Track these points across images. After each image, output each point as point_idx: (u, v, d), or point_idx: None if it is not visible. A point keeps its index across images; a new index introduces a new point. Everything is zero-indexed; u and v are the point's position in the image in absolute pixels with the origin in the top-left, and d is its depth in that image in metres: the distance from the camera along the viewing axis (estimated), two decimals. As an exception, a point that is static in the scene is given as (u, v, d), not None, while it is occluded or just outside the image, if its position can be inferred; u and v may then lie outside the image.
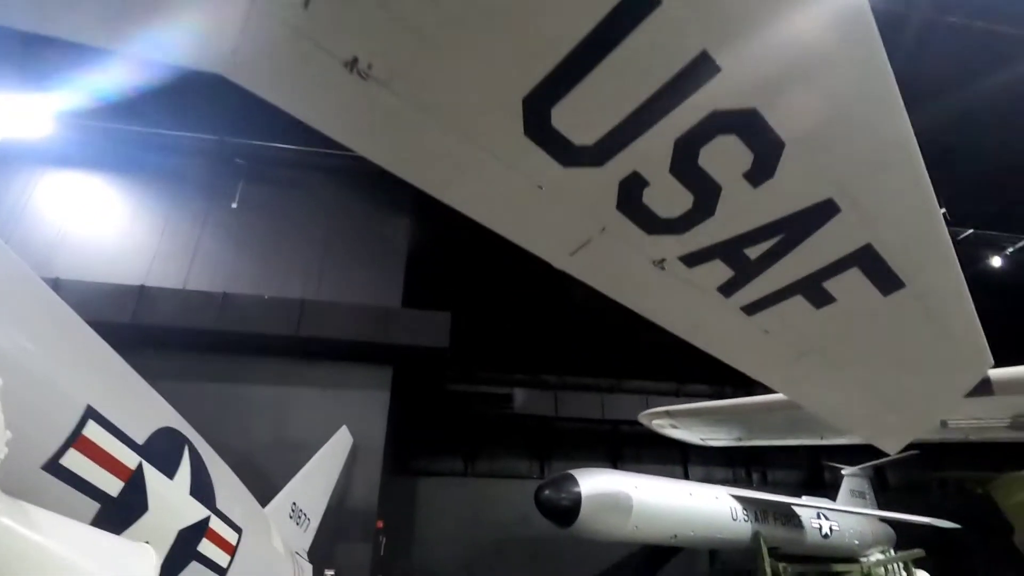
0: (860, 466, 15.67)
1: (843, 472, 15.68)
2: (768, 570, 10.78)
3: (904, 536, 14.32)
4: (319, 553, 8.65)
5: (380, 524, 10.27)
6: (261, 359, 9.93)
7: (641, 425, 16.52)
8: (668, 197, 2.30)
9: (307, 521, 7.54)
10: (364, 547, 9.16)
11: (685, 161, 2.16)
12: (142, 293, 9.41)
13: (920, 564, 13.64)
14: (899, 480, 17.86)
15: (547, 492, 9.77)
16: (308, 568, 7.37)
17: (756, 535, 11.27)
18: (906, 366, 3.08)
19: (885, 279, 2.67)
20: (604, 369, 16.94)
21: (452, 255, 14.65)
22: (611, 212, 2.37)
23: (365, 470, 9.63)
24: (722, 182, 2.25)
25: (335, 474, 8.57)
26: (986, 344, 3.01)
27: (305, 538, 7.48)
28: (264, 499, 6.97)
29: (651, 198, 2.31)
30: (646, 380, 17.03)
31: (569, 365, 16.63)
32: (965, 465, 18.15)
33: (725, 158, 2.16)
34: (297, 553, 7.18)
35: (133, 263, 10.26)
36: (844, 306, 2.81)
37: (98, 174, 11.35)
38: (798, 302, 2.81)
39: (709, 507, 11.10)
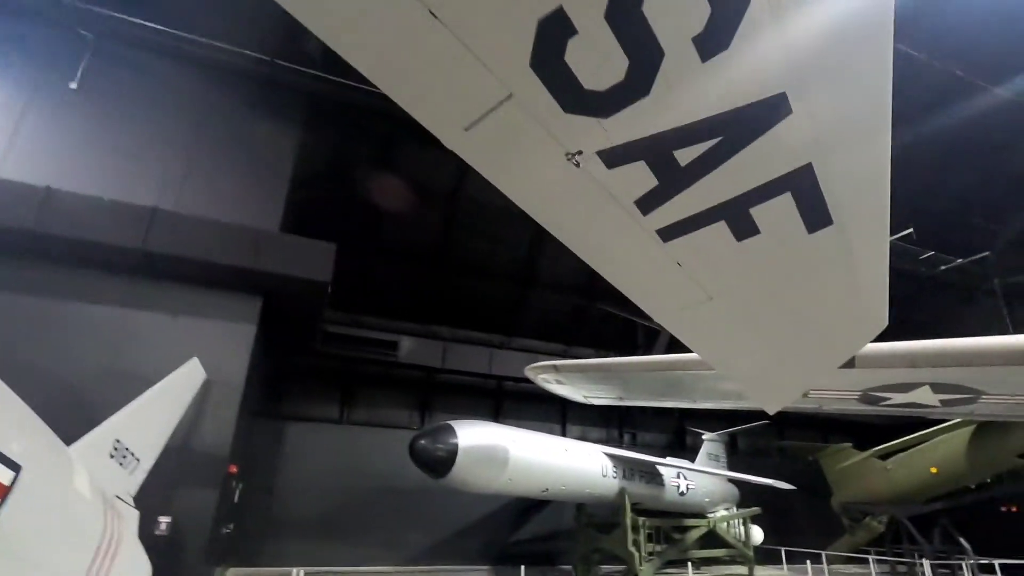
0: (718, 432, 17.08)
1: (703, 437, 17.00)
2: (629, 524, 11.34)
3: (745, 496, 15.91)
4: (154, 498, 7.60)
5: (233, 469, 9.30)
6: (96, 273, 8.31)
7: (525, 383, 16.65)
8: (598, 56, 1.76)
9: (135, 462, 6.48)
10: (209, 493, 8.18)
11: (628, 3, 1.63)
12: (-71, 174, 7.41)
13: (755, 520, 15.27)
14: (747, 446, 19.83)
15: (423, 442, 9.37)
16: (133, 515, 6.36)
17: (622, 491, 11.80)
18: (811, 319, 2.90)
19: (815, 212, 2.37)
20: (495, 326, 16.77)
21: (346, 185, 13.40)
22: (523, 69, 1.80)
23: (219, 409, 8.55)
24: (666, 44, 1.74)
25: (178, 411, 7.47)
26: (887, 304, 2.88)
27: (131, 480, 6.43)
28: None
29: (576, 55, 1.75)
30: (535, 339, 17.13)
31: (461, 319, 16.22)
32: (800, 436, 20.59)
33: (675, 8, 1.66)
34: (119, 497, 6.16)
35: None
36: (766, 240, 2.50)
37: None
38: (720, 230, 2.46)
39: (582, 463, 11.38)
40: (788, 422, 19.98)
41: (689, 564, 11.59)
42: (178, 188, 9.35)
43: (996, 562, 12.00)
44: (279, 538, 12.62)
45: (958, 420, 12.82)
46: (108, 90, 9.75)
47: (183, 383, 7.62)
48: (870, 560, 13.56)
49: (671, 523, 13.48)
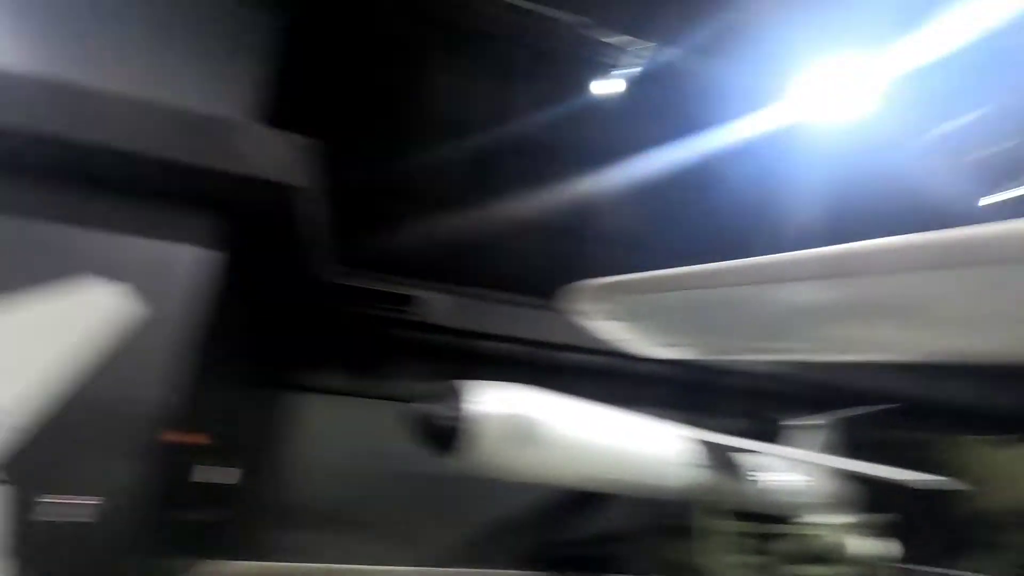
0: (823, 416, 13.57)
1: (803, 423, 13.58)
2: (712, 528, 8.45)
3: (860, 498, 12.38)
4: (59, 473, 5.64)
5: (192, 439, 7.26)
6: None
7: (582, 351, 13.93)
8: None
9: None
10: (140, 468, 6.04)
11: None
12: None
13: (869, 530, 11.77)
14: (857, 439, 16.00)
15: (419, 406, 6.94)
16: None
17: (704, 485, 8.90)
18: None
19: None
20: (537, 288, 14.06)
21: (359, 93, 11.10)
22: None
23: (159, 355, 6.44)
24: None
25: (74, 349, 5.38)
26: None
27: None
28: None
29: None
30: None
31: (494, 277, 13.68)
32: (931, 427, 16.45)
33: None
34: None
35: None
36: None
37: None
38: None
39: (648, 446, 8.57)
40: (921, 409, 15.81)
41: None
42: (125, 70, 7.37)
43: None
44: (281, 529, 10.65)
45: None
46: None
47: (82, 311, 5.52)
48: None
49: (771, 529, 10.34)
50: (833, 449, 13.67)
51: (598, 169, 13.34)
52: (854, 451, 14.79)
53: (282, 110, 8.63)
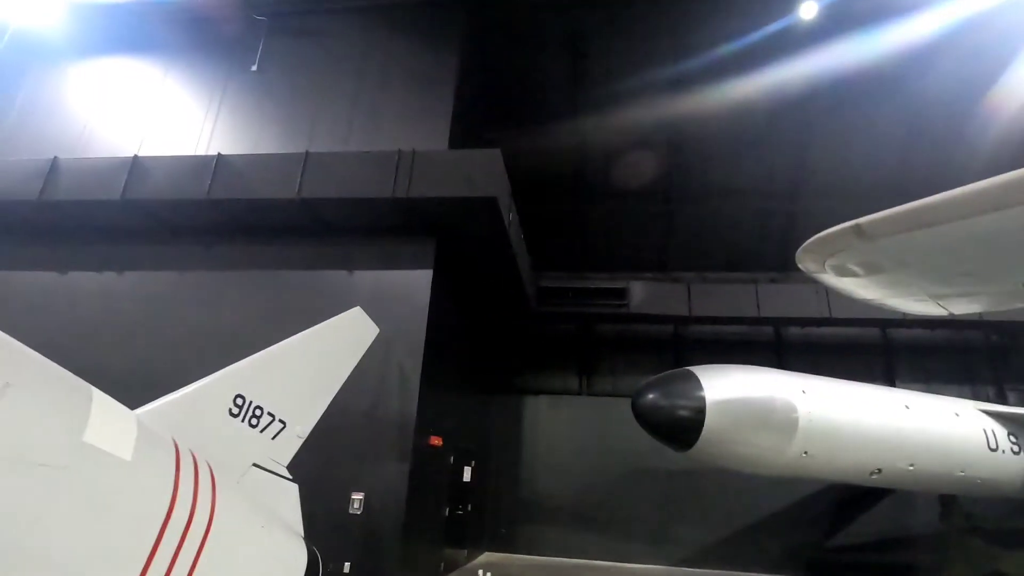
0: None
1: None
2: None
3: None
4: (340, 473, 6.63)
5: (436, 441, 7.93)
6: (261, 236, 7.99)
7: (816, 326, 11.92)
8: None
9: (278, 425, 5.29)
10: (396, 467, 6.79)
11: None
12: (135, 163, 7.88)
13: None
14: None
15: (650, 396, 6.39)
16: (284, 488, 5.26)
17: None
18: None
19: None
20: (753, 261, 12.51)
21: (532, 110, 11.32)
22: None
23: (401, 372, 7.22)
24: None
25: (338, 369, 6.21)
26: None
27: (273, 446, 5.24)
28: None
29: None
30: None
31: (704, 258, 12.56)
32: None
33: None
34: (258, 466, 5.08)
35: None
36: None
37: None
38: None
39: (944, 429, 6.78)
40: None
41: None
42: (345, 134, 8.65)
43: None
44: (526, 523, 11.14)
45: None
46: (282, 63, 9.72)
47: (341, 336, 6.35)
48: None
49: None
50: None
51: (805, 112, 11.46)
52: None
53: (467, 127, 9.22)
